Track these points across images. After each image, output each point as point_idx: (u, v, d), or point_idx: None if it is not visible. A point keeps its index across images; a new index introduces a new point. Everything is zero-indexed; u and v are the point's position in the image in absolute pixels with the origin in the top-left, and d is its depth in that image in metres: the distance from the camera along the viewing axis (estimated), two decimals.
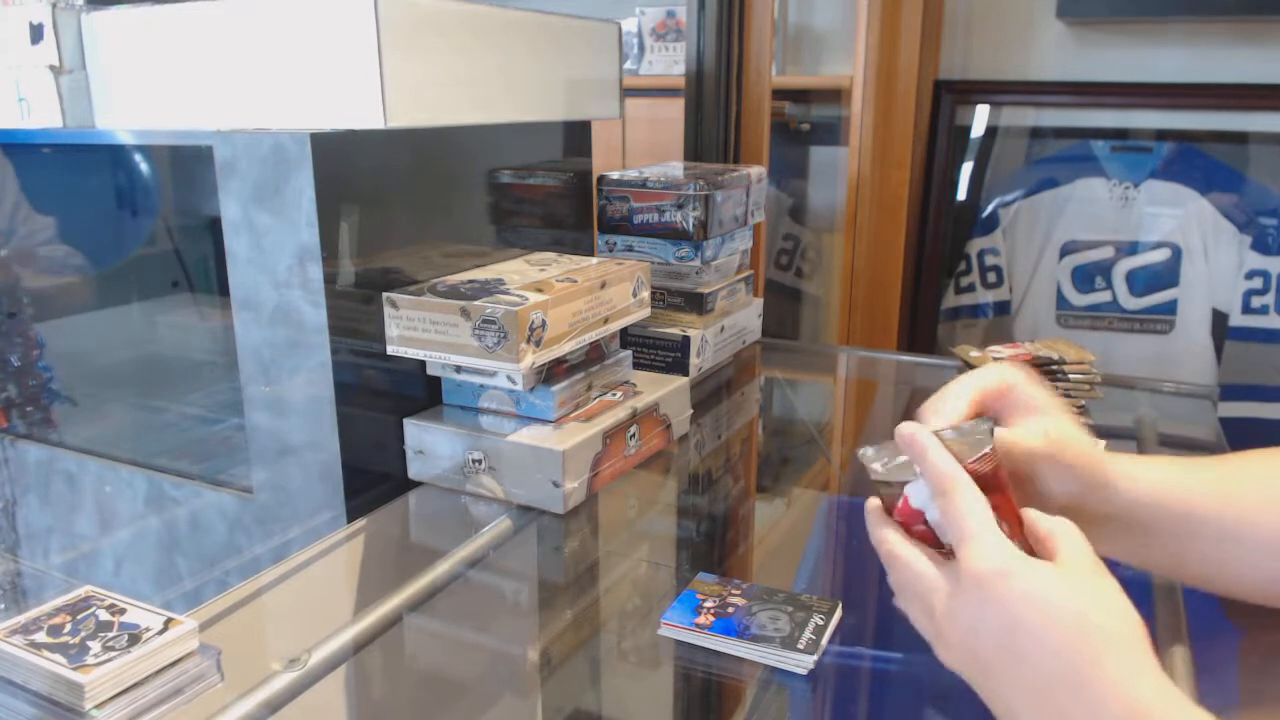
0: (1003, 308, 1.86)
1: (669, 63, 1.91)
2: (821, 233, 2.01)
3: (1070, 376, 1.04)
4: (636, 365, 1.07)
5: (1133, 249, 1.77)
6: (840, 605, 0.68)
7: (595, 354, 0.95)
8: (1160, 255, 1.75)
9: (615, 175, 1.18)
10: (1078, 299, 1.81)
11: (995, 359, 1.08)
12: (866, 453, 0.55)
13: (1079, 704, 0.41)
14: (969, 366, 1.09)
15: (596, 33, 1.09)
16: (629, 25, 1.90)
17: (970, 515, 0.46)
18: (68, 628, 0.60)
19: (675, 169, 1.25)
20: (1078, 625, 0.43)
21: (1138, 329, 1.78)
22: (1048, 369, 1.05)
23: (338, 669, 0.63)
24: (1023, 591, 0.44)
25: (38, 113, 0.89)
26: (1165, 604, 0.68)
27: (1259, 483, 0.57)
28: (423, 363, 0.91)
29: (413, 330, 0.85)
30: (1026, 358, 1.06)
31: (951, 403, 0.57)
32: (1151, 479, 0.57)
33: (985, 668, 0.45)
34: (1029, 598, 0.43)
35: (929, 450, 0.50)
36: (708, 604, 0.69)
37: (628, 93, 1.19)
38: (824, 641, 0.64)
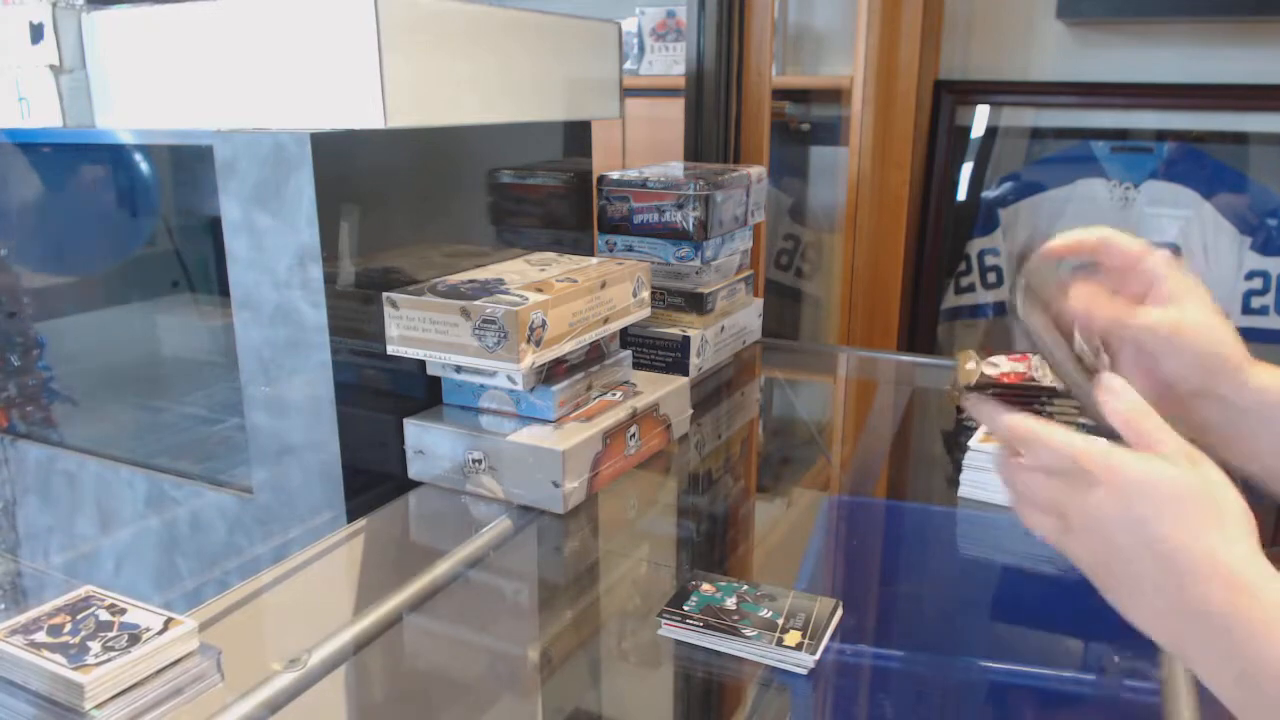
0: (1003, 308, 1.86)
1: (669, 63, 1.91)
2: (821, 233, 2.01)
3: (1055, 402, 1.03)
4: (636, 365, 1.07)
5: None
6: (840, 605, 0.68)
7: (595, 354, 0.95)
8: None
9: (615, 175, 1.18)
10: None
11: (986, 370, 1.07)
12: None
13: (1196, 568, 0.44)
14: (965, 373, 1.08)
15: (596, 33, 1.09)
16: (629, 25, 1.90)
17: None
18: (68, 628, 0.60)
19: (675, 169, 1.25)
20: (1194, 499, 0.46)
21: None
22: (1034, 396, 1.04)
23: (338, 669, 0.63)
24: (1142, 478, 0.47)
25: (38, 112, 0.89)
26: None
27: None
28: (423, 363, 0.91)
29: (413, 330, 0.85)
30: (1018, 377, 1.05)
31: (1072, 242, 0.61)
32: (1276, 376, 0.58)
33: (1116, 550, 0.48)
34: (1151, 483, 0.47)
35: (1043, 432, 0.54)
36: (708, 604, 0.69)
37: (628, 93, 1.19)
38: (824, 641, 0.64)
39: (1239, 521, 0.46)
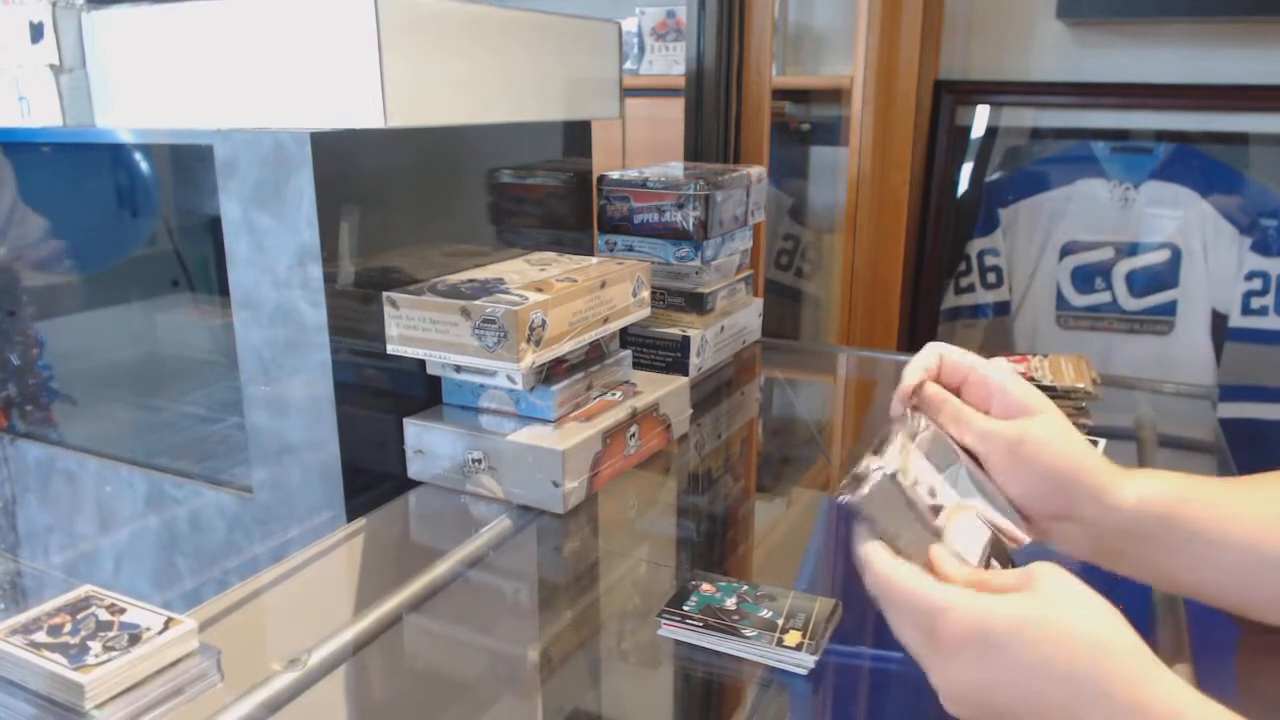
0: (1002, 308, 1.86)
1: (669, 63, 1.91)
2: (821, 233, 2.01)
3: (1054, 403, 1.03)
4: (636, 365, 1.07)
5: (1132, 250, 1.77)
6: (840, 605, 0.68)
7: (595, 354, 0.95)
8: (1160, 256, 1.75)
9: (615, 175, 1.18)
10: (1077, 300, 1.81)
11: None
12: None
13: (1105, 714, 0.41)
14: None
15: (596, 33, 1.09)
16: (629, 25, 1.90)
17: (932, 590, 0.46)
18: (68, 628, 0.60)
19: (675, 169, 1.25)
20: (1080, 644, 0.43)
21: (1137, 330, 1.78)
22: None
23: (338, 669, 0.63)
24: (1013, 631, 0.43)
25: (38, 112, 0.89)
26: (1165, 603, 0.68)
27: (1249, 495, 0.56)
28: (423, 362, 0.91)
29: (413, 330, 0.85)
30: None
31: (910, 378, 0.57)
32: (1141, 489, 0.55)
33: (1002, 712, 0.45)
34: (1023, 636, 0.43)
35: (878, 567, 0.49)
36: (708, 604, 0.69)
37: (628, 93, 1.19)
38: (824, 641, 0.64)
39: (1115, 635, 0.43)
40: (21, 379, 1.15)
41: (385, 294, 0.85)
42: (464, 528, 0.84)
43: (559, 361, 0.89)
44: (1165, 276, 1.75)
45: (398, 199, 0.89)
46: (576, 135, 1.15)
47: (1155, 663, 0.43)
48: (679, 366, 1.13)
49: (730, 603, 0.69)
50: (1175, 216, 1.73)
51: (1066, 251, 1.81)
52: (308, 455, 0.86)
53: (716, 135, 1.43)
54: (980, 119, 1.85)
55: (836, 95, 1.92)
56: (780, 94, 1.88)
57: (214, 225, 0.88)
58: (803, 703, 0.63)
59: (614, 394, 0.95)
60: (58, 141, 1.11)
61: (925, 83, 1.78)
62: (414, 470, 0.90)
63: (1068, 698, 0.42)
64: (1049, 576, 0.45)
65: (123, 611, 0.61)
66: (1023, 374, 1.06)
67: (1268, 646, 0.62)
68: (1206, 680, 0.59)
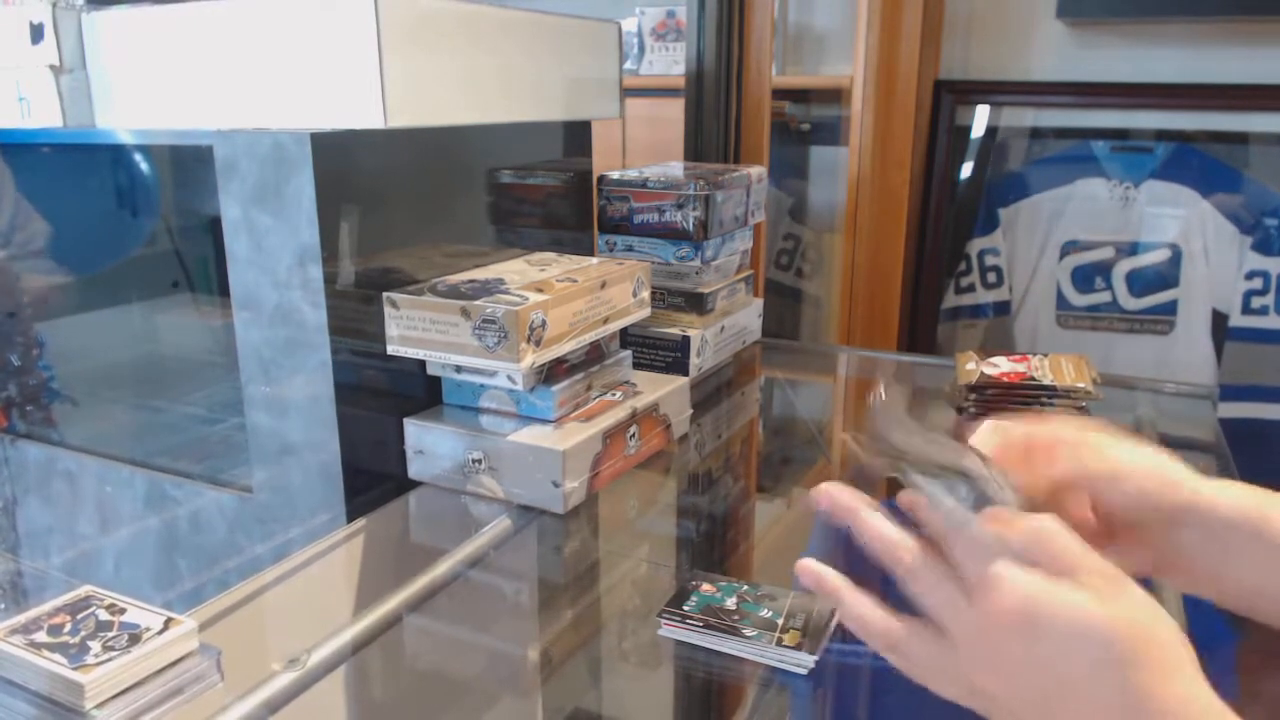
0: (1003, 308, 1.86)
1: (669, 63, 1.91)
2: (822, 232, 2.01)
3: (1055, 402, 1.03)
4: (636, 365, 1.07)
5: (1133, 249, 1.77)
6: None
7: (595, 354, 0.95)
8: (1160, 256, 1.75)
9: (615, 175, 1.18)
10: (1078, 299, 1.81)
11: (986, 370, 1.07)
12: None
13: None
14: (965, 373, 1.08)
15: (596, 33, 1.09)
16: (629, 25, 1.90)
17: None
18: (68, 628, 0.60)
19: (675, 169, 1.25)
20: (1119, 638, 0.41)
21: (1138, 329, 1.78)
22: (1033, 394, 1.03)
23: (338, 669, 0.63)
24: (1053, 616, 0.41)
25: (38, 112, 0.89)
26: (1164, 604, 0.68)
27: None
28: (423, 362, 0.91)
29: (413, 330, 0.85)
30: (1018, 377, 1.05)
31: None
32: (1235, 498, 0.52)
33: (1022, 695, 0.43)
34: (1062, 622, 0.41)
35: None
36: (708, 604, 0.69)
37: (628, 93, 1.19)
38: (824, 641, 0.64)
39: (1180, 656, 0.41)
40: (22, 379, 1.15)
41: (385, 294, 0.85)
42: (464, 528, 0.84)
43: (559, 362, 0.89)
44: (1165, 276, 1.75)
45: (398, 199, 0.89)
46: (576, 135, 1.15)
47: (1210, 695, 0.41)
48: (679, 366, 1.13)
49: (730, 603, 0.69)
50: (1175, 216, 1.73)
51: (1067, 251, 1.81)
52: (308, 455, 0.86)
53: (716, 135, 1.43)
54: (980, 119, 1.85)
55: (836, 95, 1.92)
56: (780, 94, 1.87)
57: (214, 225, 0.88)
58: (803, 703, 0.63)
59: (614, 394, 0.95)
60: (58, 142, 1.11)
61: (925, 83, 1.78)
62: (414, 470, 0.90)
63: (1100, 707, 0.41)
64: (1125, 581, 0.43)
65: (123, 611, 0.61)
66: (1023, 374, 1.06)
67: (1268, 648, 0.62)
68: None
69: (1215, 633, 0.64)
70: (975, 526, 0.44)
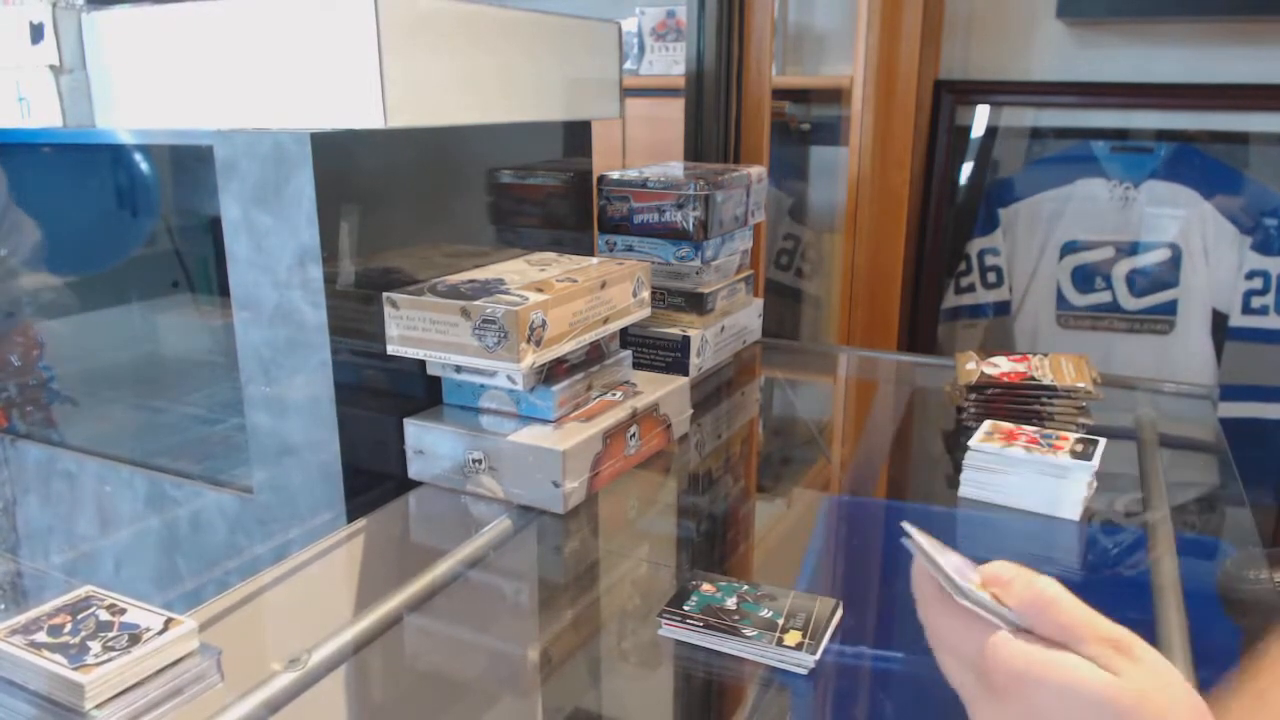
0: (1003, 308, 1.86)
1: (669, 63, 1.91)
2: (822, 233, 2.01)
3: (1055, 402, 1.03)
4: (636, 365, 1.07)
5: (1133, 249, 1.77)
6: (840, 605, 0.68)
7: (595, 354, 0.95)
8: (1160, 256, 1.75)
9: (615, 175, 1.18)
10: (1078, 299, 1.81)
11: (986, 370, 1.07)
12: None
13: None
14: (965, 373, 1.08)
15: (596, 33, 1.09)
16: (629, 25, 1.90)
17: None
18: (68, 628, 0.60)
19: (675, 169, 1.25)
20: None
21: (1138, 329, 1.78)
22: (1033, 394, 1.03)
23: (338, 669, 0.63)
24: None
25: (38, 112, 0.89)
26: (1165, 604, 0.68)
27: None
28: (423, 363, 0.91)
29: (413, 330, 0.85)
30: (1018, 377, 1.05)
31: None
32: None
33: None
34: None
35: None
36: (708, 604, 0.69)
37: (628, 93, 1.19)
38: (824, 641, 0.64)
39: None
40: (22, 380, 1.15)
41: (385, 294, 0.85)
42: (464, 528, 0.84)
43: (559, 362, 0.89)
44: (1165, 276, 1.75)
45: (398, 199, 0.89)
46: (576, 135, 1.15)
47: None
48: (679, 366, 1.13)
49: (730, 602, 0.69)
50: (1175, 216, 1.73)
51: (1067, 251, 1.81)
52: (308, 455, 0.86)
53: (716, 135, 1.43)
54: (980, 119, 1.85)
55: (836, 95, 1.92)
56: (780, 94, 1.88)
57: (214, 226, 0.88)
58: (803, 703, 0.63)
59: (614, 394, 0.95)
60: (58, 142, 1.11)
61: (925, 83, 1.78)
62: (414, 470, 0.90)
63: None
64: (1135, 646, 0.40)
65: (123, 612, 0.61)
66: (1023, 374, 1.06)
67: (1271, 649, 0.62)
68: (1207, 682, 0.59)
69: (1216, 630, 0.64)
70: (972, 590, 0.43)
